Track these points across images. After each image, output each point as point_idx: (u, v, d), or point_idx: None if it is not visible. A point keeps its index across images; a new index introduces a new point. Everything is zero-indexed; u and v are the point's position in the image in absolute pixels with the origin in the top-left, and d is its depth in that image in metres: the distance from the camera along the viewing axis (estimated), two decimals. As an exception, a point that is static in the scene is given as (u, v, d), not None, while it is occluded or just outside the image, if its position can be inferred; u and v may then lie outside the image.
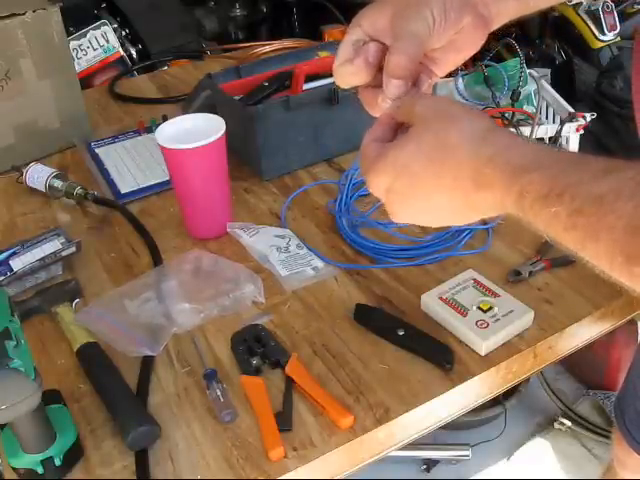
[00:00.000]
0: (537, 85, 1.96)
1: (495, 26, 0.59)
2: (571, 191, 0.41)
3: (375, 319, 0.78)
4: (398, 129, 0.54)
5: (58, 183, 1.07)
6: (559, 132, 1.83)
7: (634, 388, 0.96)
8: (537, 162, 0.44)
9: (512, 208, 0.45)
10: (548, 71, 2.23)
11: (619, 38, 2.26)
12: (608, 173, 0.41)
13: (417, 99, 0.53)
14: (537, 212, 0.43)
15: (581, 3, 2.16)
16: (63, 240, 0.93)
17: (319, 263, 0.87)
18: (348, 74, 0.57)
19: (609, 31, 2.27)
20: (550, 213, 0.42)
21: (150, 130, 1.25)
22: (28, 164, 1.11)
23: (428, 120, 0.50)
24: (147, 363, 0.75)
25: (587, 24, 2.27)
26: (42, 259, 0.89)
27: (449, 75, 0.72)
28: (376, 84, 0.56)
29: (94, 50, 2.06)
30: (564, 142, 1.90)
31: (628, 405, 1.00)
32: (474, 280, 0.80)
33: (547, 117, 2.06)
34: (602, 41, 2.29)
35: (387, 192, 0.51)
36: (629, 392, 0.99)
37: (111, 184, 1.11)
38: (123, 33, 2.19)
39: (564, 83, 2.26)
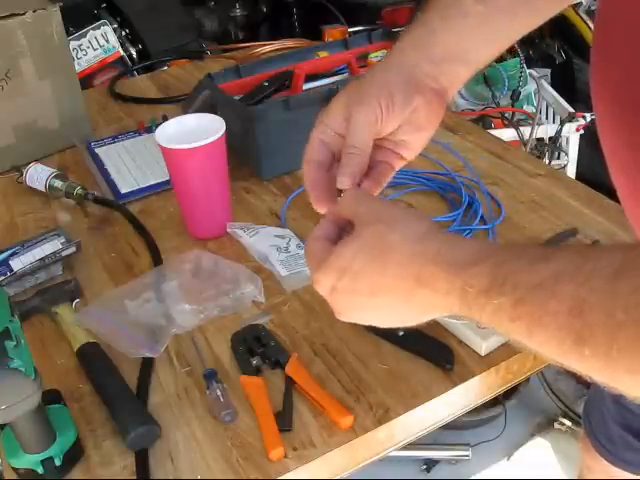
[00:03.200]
0: (537, 85, 1.96)
1: (451, 95, 0.60)
2: (512, 281, 0.42)
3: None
4: (344, 227, 0.55)
5: (58, 183, 1.07)
6: (559, 132, 1.83)
7: (600, 392, 0.95)
8: (478, 256, 0.45)
9: (457, 305, 0.45)
10: (548, 71, 2.24)
11: (619, 38, 2.25)
12: (547, 258, 0.41)
13: (359, 198, 0.54)
14: (482, 306, 0.43)
15: (581, 3, 2.16)
16: (63, 240, 0.93)
17: (319, 263, 0.87)
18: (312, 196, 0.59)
19: (609, 31, 2.27)
20: (494, 305, 0.42)
21: (150, 130, 1.25)
22: (28, 164, 1.11)
23: (370, 221, 0.51)
24: (147, 363, 0.75)
25: (587, 24, 2.27)
26: (42, 259, 0.89)
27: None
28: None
29: (94, 50, 2.05)
30: (564, 142, 1.90)
31: (594, 409, 0.99)
32: (474, 280, 0.80)
33: (547, 117, 2.06)
34: (602, 41, 2.28)
35: (331, 292, 0.52)
36: (596, 396, 0.99)
37: (111, 184, 1.11)
38: (123, 33, 2.19)
39: (564, 83, 2.26)
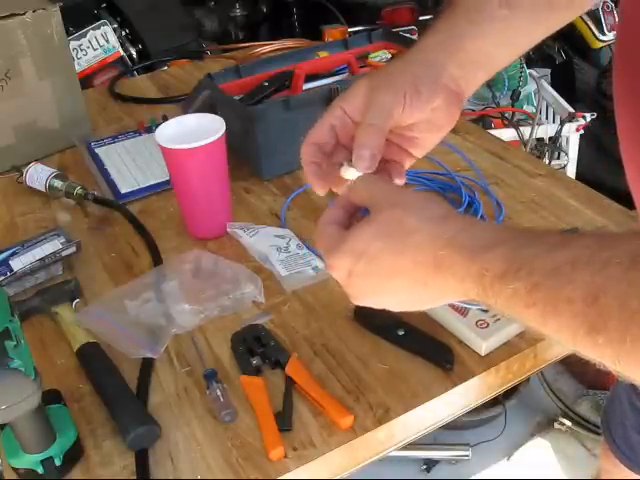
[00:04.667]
0: (537, 85, 1.96)
1: (467, 98, 0.61)
2: (528, 266, 0.41)
3: (375, 319, 0.78)
4: (354, 214, 0.55)
5: (58, 183, 1.07)
6: (559, 132, 1.84)
7: (620, 402, 0.96)
8: (495, 241, 0.45)
9: (474, 290, 0.45)
10: (548, 71, 2.24)
11: (619, 38, 2.26)
12: (564, 244, 0.41)
13: (373, 183, 0.54)
14: (497, 291, 0.43)
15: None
16: (63, 240, 0.93)
17: (319, 263, 0.87)
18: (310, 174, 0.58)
19: (609, 31, 2.27)
20: (510, 290, 0.42)
21: (150, 130, 1.25)
22: (28, 164, 1.11)
23: (387, 206, 0.50)
24: (147, 363, 0.75)
25: (587, 24, 2.28)
26: (42, 259, 0.89)
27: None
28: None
29: (94, 50, 2.06)
30: (564, 142, 1.90)
31: (615, 420, 0.99)
32: (474, 280, 0.80)
33: (547, 117, 2.06)
34: (602, 41, 2.29)
35: (348, 276, 0.52)
36: (616, 406, 0.99)
37: (111, 184, 1.11)
38: (123, 33, 2.19)
39: (564, 83, 2.26)
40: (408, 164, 0.61)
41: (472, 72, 0.59)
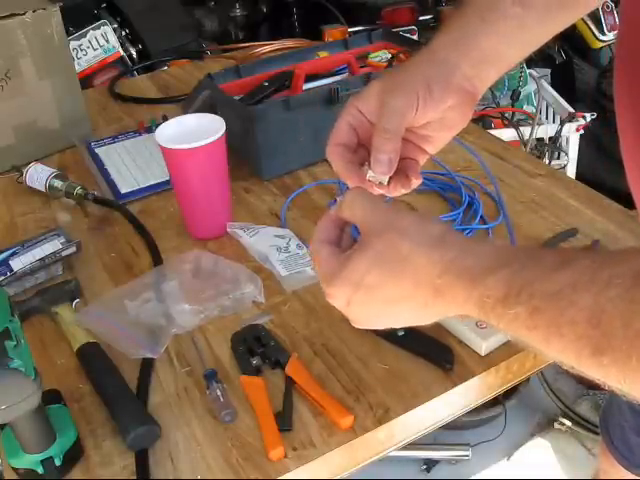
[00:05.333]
0: (537, 85, 1.96)
1: (479, 96, 0.61)
2: (528, 290, 0.41)
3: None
4: (342, 228, 0.55)
5: (58, 183, 1.07)
6: (559, 132, 1.84)
7: (618, 404, 0.96)
8: (494, 263, 0.44)
9: (475, 312, 0.45)
10: (548, 71, 2.24)
11: (619, 38, 2.26)
12: (564, 265, 0.41)
13: (363, 201, 0.53)
14: (499, 315, 0.43)
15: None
16: (63, 240, 0.93)
17: (319, 263, 0.87)
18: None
19: (609, 31, 2.27)
20: (511, 314, 0.42)
21: (150, 130, 1.25)
22: (28, 164, 1.11)
23: (380, 230, 0.50)
24: (147, 363, 0.75)
25: (587, 24, 2.28)
26: (42, 259, 0.89)
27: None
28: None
29: (94, 50, 2.06)
30: (564, 142, 1.90)
31: (613, 421, 0.99)
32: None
33: (547, 117, 2.06)
34: (602, 41, 2.29)
35: (347, 304, 0.51)
36: (614, 407, 0.99)
37: (111, 184, 1.11)
38: (123, 33, 2.19)
39: (564, 83, 2.26)
40: (422, 161, 0.61)
41: (485, 71, 0.59)
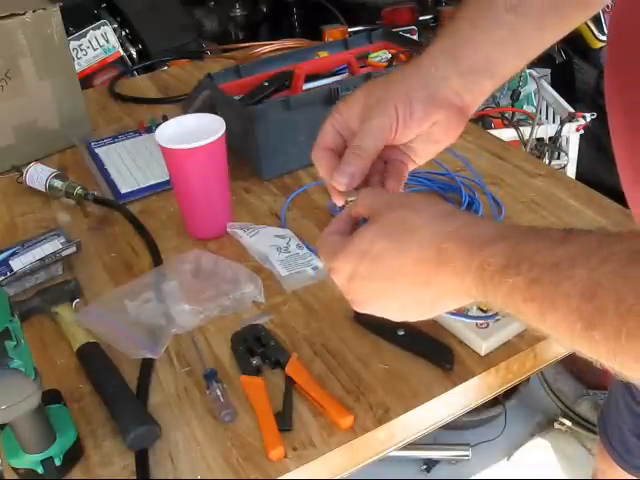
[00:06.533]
0: (537, 85, 1.96)
1: (474, 109, 0.60)
2: (529, 260, 0.42)
3: (375, 319, 0.78)
4: (355, 226, 0.55)
5: (58, 183, 1.07)
6: (559, 132, 1.84)
7: (616, 405, 0.96)
8: (497, 236, 0.45)
9: (474, 287, 0.45)
10: (548, 71, 2.24)
11: (619, 38, 2.25)
12: (565, 240, 0.41)
13: (375, 194, 0.54)
14: (497, 285, 0.43)
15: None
16: (63, 240, 0.93)
17: (319, 263, 0.87)
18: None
19: (609, 31, 2.27)
20: (509, 284, 0.42)
21: (150, 130, 1.25)
22: (28, 164, 1.11)
23: (389, 208, 0.51)
24: (147, 363, 0.75)
25: (587, 24, 2.27)
26: (42, 259, 0.89)
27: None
28: None
29: (94, 50, 2.06)
30: (564, 142, 1.90)
31: (612, 421, 0.99)
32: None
33: (547, 117, 2.06)
34: (602, 41, 2.29)
35: (350, 279, 0.52)
36: (612, 408, 0.99)
37: (111, 184, 1.11)
38: (123, 33, 2.19)
39: (564, 83, 2.26)
40: (412, 166, 0.61)
41: (477, 82, 0.58)
